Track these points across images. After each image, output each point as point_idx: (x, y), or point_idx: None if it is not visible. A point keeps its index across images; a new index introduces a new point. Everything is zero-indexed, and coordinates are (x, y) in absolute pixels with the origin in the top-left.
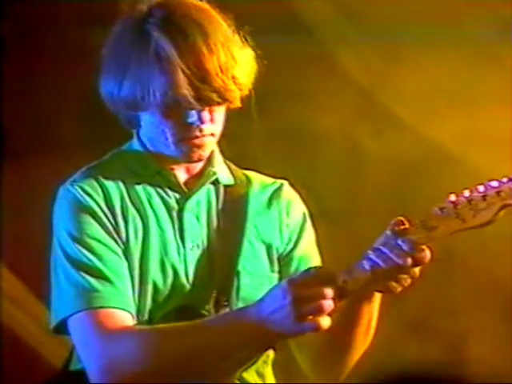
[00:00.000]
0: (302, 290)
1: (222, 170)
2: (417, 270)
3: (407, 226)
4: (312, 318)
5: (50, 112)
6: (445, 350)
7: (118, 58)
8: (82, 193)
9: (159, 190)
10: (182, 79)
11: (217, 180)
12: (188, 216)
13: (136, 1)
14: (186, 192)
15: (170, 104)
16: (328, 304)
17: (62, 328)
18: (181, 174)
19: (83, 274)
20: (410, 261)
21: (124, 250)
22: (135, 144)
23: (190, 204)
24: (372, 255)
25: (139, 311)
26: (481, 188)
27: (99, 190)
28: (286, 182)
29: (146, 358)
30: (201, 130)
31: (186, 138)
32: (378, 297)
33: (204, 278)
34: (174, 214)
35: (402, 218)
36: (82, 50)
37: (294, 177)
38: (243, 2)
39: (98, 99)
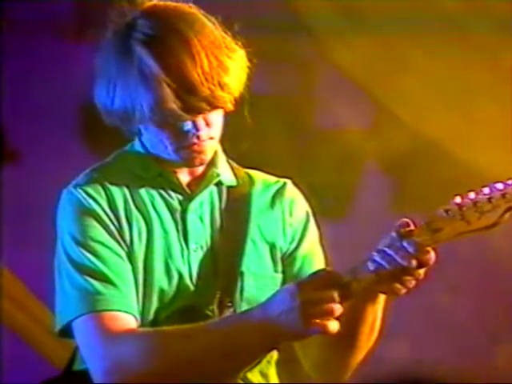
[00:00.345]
0: (310, 292)
1: (225, 171)
2: (421, 271)
3: (412, 227)
4: (319, 321)
5: (50, 112)
6: None
7: (108, 72)
8: (85, 196)
9: (162, 192)
10: (167, 93)
11: (220, 181)
12: (191, 217)
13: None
14: (188, 193)
15: (161, 118)
16: (337, 307)
17: (66, 331)
18: (183, 176)
19: (87, 278)
20: (414, 263)
21: (128, 252)
22: (137, 145)
23: (193, 205)
24: (377, 257)
25: (143, 313)
26: (486, 190)
27: (103, 193)
28: (289, 181)
29: (149, 359)
30: (198, 137)
31: (185, 145)
32: (382, 298)
33: (208, 279)
34: (178, 215)
35: (407, 220)
36: (82, 50)
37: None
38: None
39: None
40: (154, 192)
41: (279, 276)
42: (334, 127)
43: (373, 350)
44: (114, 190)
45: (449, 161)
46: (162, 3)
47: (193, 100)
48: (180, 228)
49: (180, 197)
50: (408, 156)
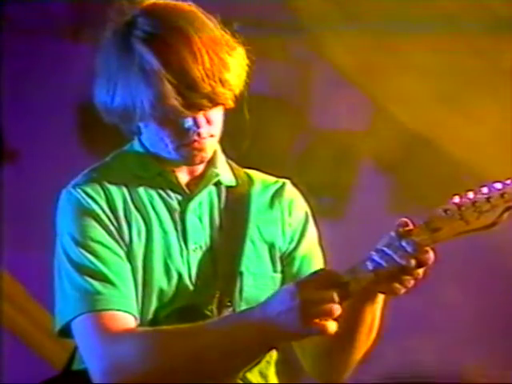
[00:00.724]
0: (310, 292)
1: (225, 171)
2: (420, 271)
3: (411, 227)
4: (319, 321)
5: (50, 112)
6: None
7: (108, 70)
8: (85, 196)
9: (161, 192)
10: (168, 90)
11: (219, 181)
12: (190, 217)
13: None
14: (188, 193)
15: (162, 114)
16: (336, 308)
17: (66, 331)
18: (183, 176)
19: (86, 278)
20: (413, 262)
21: (127, 252)
22: (136, 145)
23: (193, 205)
24: (375, 256)
25: (142, 312)
26: (485, 190)
27: (102, 193)
28: (288, 181)
29: (148, 358)
30: (199, 134)
31: (186, 143)
32: (381, 297)
33: (207, 279)
34: (177, 215)
35: (406, 220)
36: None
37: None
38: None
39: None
40: (153, 192)
41: (278, 276)
42: (332, 127)
43: (372, 349)
44: (113, 189)
45: (447, 160)
46: (161, 1)
47: (194, 96)
48: (179, 228)
49: (179, 197)
50: (406, 156)
